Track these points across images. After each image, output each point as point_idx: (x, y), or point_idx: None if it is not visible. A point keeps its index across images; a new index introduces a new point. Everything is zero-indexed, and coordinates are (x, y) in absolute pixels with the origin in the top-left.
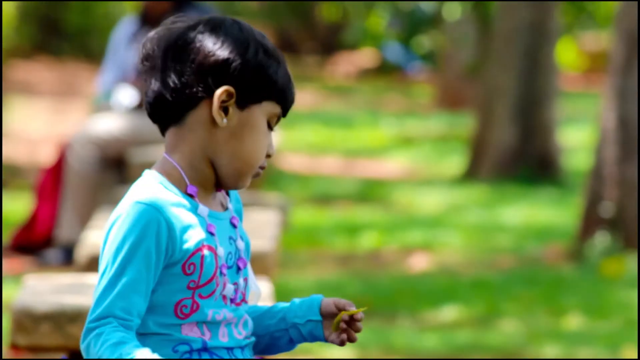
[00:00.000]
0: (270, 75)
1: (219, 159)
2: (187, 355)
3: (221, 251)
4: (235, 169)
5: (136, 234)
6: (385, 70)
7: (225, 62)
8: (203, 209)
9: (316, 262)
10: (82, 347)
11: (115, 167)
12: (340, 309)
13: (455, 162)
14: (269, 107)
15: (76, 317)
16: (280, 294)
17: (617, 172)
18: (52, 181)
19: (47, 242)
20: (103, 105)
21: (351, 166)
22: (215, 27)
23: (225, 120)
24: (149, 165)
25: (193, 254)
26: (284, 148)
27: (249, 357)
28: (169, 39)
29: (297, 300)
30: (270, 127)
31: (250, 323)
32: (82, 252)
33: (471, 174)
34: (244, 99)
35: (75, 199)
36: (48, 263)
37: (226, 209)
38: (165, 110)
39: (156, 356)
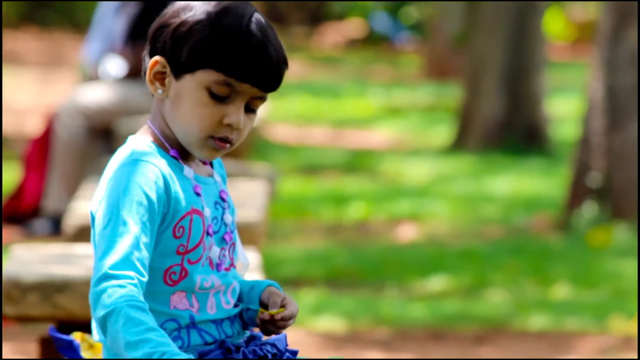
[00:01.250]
0: (203, 43)
1: (172, 128)
2: (175, 334)
3: (208, 212)
4: (182, 138)
5: (140, 185)
6: (372, 40)
7: (157, 31)
8: (189, 171)
9: (304, 232)
10: (96, 291)
11: (103, 137)
12: (263, 305)
13: (442, 133)
14: (204, 76)
15: (64, 287)
16: (268, 264)
17: (604, 142)
18: (39, 151)
19: (35, 212)
20: (90, 74)
21: (339, 136)
22: None
23: (160, 90)
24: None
25: (183, 217)
26: (271, 118)
27: (237, 329)
28: None
29: (255, 282)
30: (217, 96)
31: (238, 289)
32: (70, 222)
33: (459, 144)
34: (177, 69)
35: (62, 169)
36: (36, 233)
37: (211, 176)
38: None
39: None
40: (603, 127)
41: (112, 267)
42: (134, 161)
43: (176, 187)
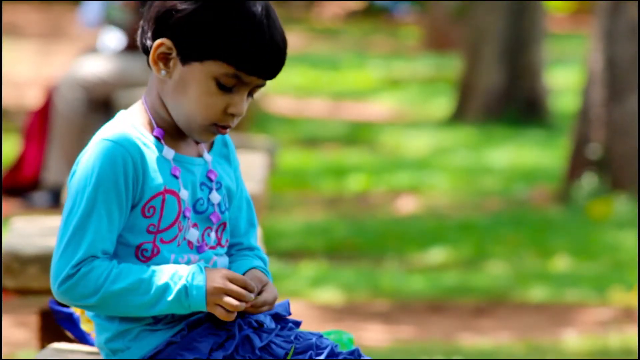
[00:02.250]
0: (215, 35)
1: (170, 109)
2: None
3: (185, 194)
4: (181, 122)
5: (104, 169)
6: (372, 12)
7: (168, 12)
8: (168, 152)
9: (304, 204)
10: (61, 291)
11: (103, 110)
12: None
13: (442, 104)
14: (214, 67)
15: None
16: (269, 236)
17: (604, 113)
18: (39, 124)
19: (35, 184)
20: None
21: (338, 109)
22: None
23: (163, 72)
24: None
25: (153, 197)
26: (271, 91)
27: None
28: None
29: (241, 263)
30: (224, 87)
31: (220, 264)
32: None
33: (458, 116)
34: (184, 54)
35: (62, 141)
36: (35, 205)
37: (200, 156)
38: (144, 51)
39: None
40: (603, 98)
41: (75, 265)
42: (103, 144)
43: (147, 167)
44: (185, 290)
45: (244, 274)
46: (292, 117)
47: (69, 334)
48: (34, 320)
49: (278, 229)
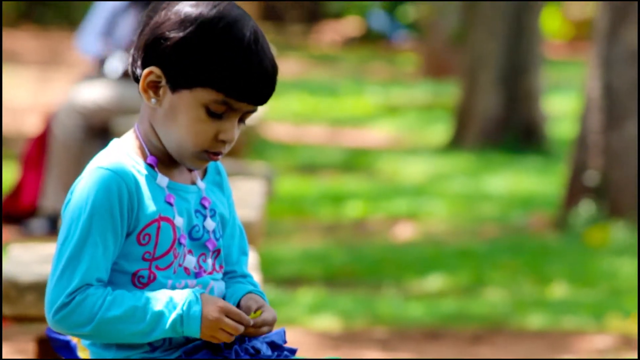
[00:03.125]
0: (203, 62)
1: (161, 137)
2: None
3: (180, 221)
4: (172, 150)
5: (99, 198)
6: (370, 38)
7: (157, 41)
8: (162, 179)
9: (301, 231)
10: (56, 319)
11: (101, 137)
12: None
13: (440, 131)
14: (203, 95)
15: None
16: (266, 263)
17: (601, 140)
18: (38, 150)
19: (33, 211)
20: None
21: (336, 135)
22: (187, 5)
23: (154, 100)
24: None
25: (148, 224)
26: (268, 117)
27: None
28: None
29: (238, 288)
30: (214, 113)
31: (217, 290)
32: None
33: (456, 143)
34: (174, 82)
35: (60, 168)
36: (33, 233)
37: (194, 184)
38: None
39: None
40: (600, 125)
41: (70, 294)
42: (98, 172)
43: (142, 195)
44: (180, 319)
45: (241, 298)
46: (290, 143)
47: None
48: (31, 347)
49: (276, 255)
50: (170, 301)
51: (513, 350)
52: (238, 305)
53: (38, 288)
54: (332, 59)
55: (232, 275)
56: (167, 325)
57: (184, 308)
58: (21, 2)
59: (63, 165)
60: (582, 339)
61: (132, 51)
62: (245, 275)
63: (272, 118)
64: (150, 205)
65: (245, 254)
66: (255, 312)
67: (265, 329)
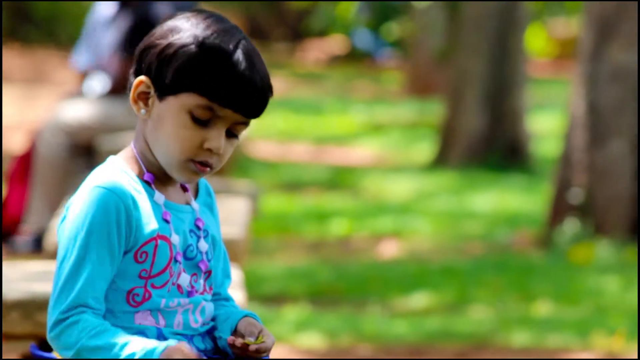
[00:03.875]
0: (188, 66)
1: (152, 149)
2: None
3: (176, 239)
4: (162, 160)
5: (97, 217)
6: (354, 57)
7: (146, 50)
8: (159, 197)
9: (286, 249)
10: (51, 337)
11: (85, 155)
12: (237, 334)
13: (424, 149)
14: (187, 100)
15: (46, 304)
16: (251, 281)
17: (586, 158)
18: (23, 168)
19: (18, 229)
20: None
21: (321, 153)
22: (179, 17)
23: (143, 110)
24: (117, 152)
25: (146, 242)
26: (253, 135)
27: (209, 344)
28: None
29: (233, 312)
30: (199, 120)
31: (208, 310)
32: (51, 240)
33: (441, 161)
34: (160, 90)
35: (44, 186)
36: (18, 250)
37: (188, 204)
38: None
39: (151, 343)
40: (585, 143)
41: (63, 311)
42: (95, 190)
43: (139, 214)
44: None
45: (238, 322)
46: (275, 161)
47: None
48: None
49: (260, 273)
50: (144, 347)
51: None
52: (235, 330)
53: (22, 306)
54: (317, 77)
55: (216, 297)
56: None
57: (149, 352)
58: (6, 21)
59: (48, 183)
60: (567, 356)
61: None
62: (228, 299)
63: (256, 136)
64: (148, 224)
65: (228, 277)
66: (257, 337)
67: (264, 355)
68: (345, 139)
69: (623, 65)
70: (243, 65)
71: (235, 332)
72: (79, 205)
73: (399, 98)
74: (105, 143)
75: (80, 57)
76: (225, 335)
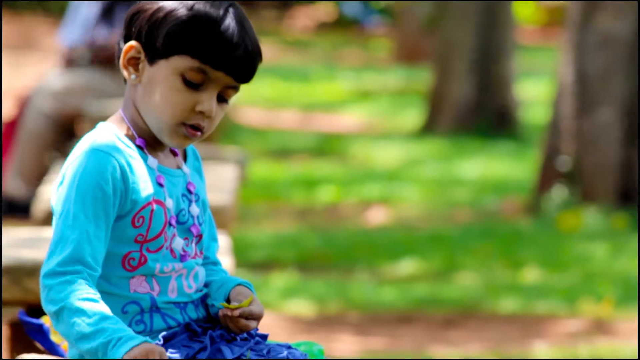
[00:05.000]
0: (179, 29)
1: (143, 115)
2: (138, 318)
3: (170, 203)
4: (152, 125)
5: (93, 178)
6: (342, 24)
7: (135, 15)
8: (152, 161)
9: (274, 216)
10: (43, 284)
11: (72, 122)
12: (227, 300)
13: (412, 116)
14: (179, 62)
15: (34, 271)
16: (239, 248)
17: (574, 125)
18: (11, 135)
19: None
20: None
21: (309, 120)
22: None
23: (134, 75)
24: (105, 119)
25: (143, 207)
26: (241, 102)
27: (202, 313)
28: None
29: (226, 279)
30: (191, 83)
31: (201, 275)
32: (40, 207)
33: (429, 128)
34: (151, 54)
35: (23, 157)
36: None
37: (180, 168)
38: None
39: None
40: (573, 110)
41: (60, 263)
42: (91, 152)
43: (135, 177)
44: (117, 340)
45: (230, 291)
46: (262, 128)
47: (38, 345)
48: (4, 331)
49: (248, 240)
50: (124, 329)
51: (485, 334)
52: (228, 298)
53: (10, 272)
54: (305, 45)
55: (205, 262)
56: (104, 340)
57: (126, 337)
58: None
59: (27, 154)
60: (555, 323)
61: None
62: (216, 263)
63: (244, 103)
64: (145, 188)
65: (215, 240)
66: (242, 302)
67: (253, 323)
68: (333, 106)
69: (611, 32)
70: (234, 28)
71: (227, 301)
72: (74, 167)
73: (387, 65)
74: (92, 109)
75: (67, 33)
76: (217, 303)
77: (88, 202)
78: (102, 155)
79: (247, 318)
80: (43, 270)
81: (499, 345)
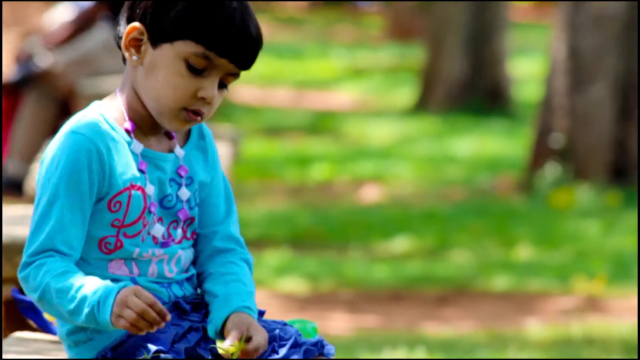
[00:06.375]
0: (185, 14)
1: (142, 97)
2: None
3: (151, 190)
4: (152, 108)
5: (69, 162)
6: (336, 1)
7: None
8: (137, 146)
9: (267, 193)
10: (20, 278)
11: (66, 99)
12: (221, 332)
13: (405, 94)
14: (184, 47)
15: None
16: None
17: (567, 103)
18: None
19: None
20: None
21: (302, 98)
22: None
23: (135, 57)
24: (99, 97)
25: (120, 192)
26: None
27: (189, 291)
28: None
29: (228, 298)
30: (194, 68)
31: (184, 258)
32: (32, 184)
33: (422, 106)
34: (155, 37)
35: (24, 130)
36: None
37: (171, 152)
38: (118, 46)
39: (107, 282)
40: (565, 88)
41: (30, 254)
42: (70, 134)
43: (113, 162)
44: (97, 304)
45: (224, 322)
46: (256, 106)
47: (31, 322)
48: None
49: (242, 218)
50: (98, 289)
51: (478, 312)
52: (224, 326)
53: (3, 249)
54: (298, 22)
55: (217, 249)
56: (87, 310)
57: (102, 297)
58: None
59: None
60: (548, 300)
61: (119, 17)
62: (230, 250)
63: (238, 81)
64: (124, 173)
65: (230, 214)
66: (240, 340)
67: (260, 351)
68: (326, 84)
69: (604, 10)
70: (240, 15)
71: (221, 332)
72: (53, 150)
73: (380, 43)
74: (86, 87)
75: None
76: (215, 324)
77: (62, 189)
78: (80, 138)
79: (254, 352)
80: (20, 263)
81: (492, 322)
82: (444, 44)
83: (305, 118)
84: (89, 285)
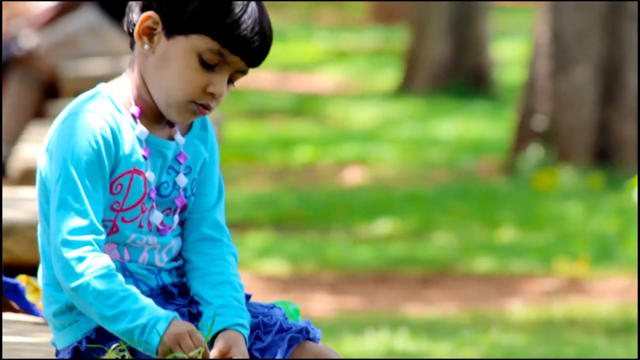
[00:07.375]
0: (204, 9)
1: (150, 86)
2: None
3: (151, 176)
4: (160, 99)
5: (86, 141)
6: None
7: None
8: (142, 131)
9: (251, 176)
10: (58, 258)
11: (49, 81)
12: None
13: (389, 76)
14: (198, 42)
15: (10, 230)
16: None
17: (550, 85)
18: None
19: None
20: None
21: (285, 80)
22: None
23: (147, 46)
24: (82, 80)
25: (123, 174)
26: None
27: (177, 279)
28: None
29: (225, 310)
30: (206, 64)
31: (175, 249)
32: (16, 166)
33: (405, 88)
34: (170, 28)
35: (8, 112)
36: None
37: (172, 140)
38: (128, 32)
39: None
40: (548, 70)
41: (71, 232)
42: (85, 113)
43: (121, 144)
44: (143, 328)
45: (216, 335)
46: (239, 88)
47: (14, 304)
48: None
49: (225, 200)
50: (145, 307)
51: (461, 293)
52: (212, 341)
53: None
54: (281, 4)
55: (206, 236)
56: (129, 326)
57: (151, 320)
58: None
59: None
60: (530, 282)
61: (129, 3)
62: (214, 240)
63: None
64: (129, 156)
65: (219, 203)
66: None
67: None
68: (309, 67)
69: None
70: (257, 15)
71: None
72: (68, 128)
73: (363, 25)
74: (69, 70)
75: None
76: (205, 334)
77: (82, 166)
78: (95, 117)
79: None
80: (57, 239)
81: (475, 303)
82: (428, 27)
83: (289, 101)
84: (132, 300)
